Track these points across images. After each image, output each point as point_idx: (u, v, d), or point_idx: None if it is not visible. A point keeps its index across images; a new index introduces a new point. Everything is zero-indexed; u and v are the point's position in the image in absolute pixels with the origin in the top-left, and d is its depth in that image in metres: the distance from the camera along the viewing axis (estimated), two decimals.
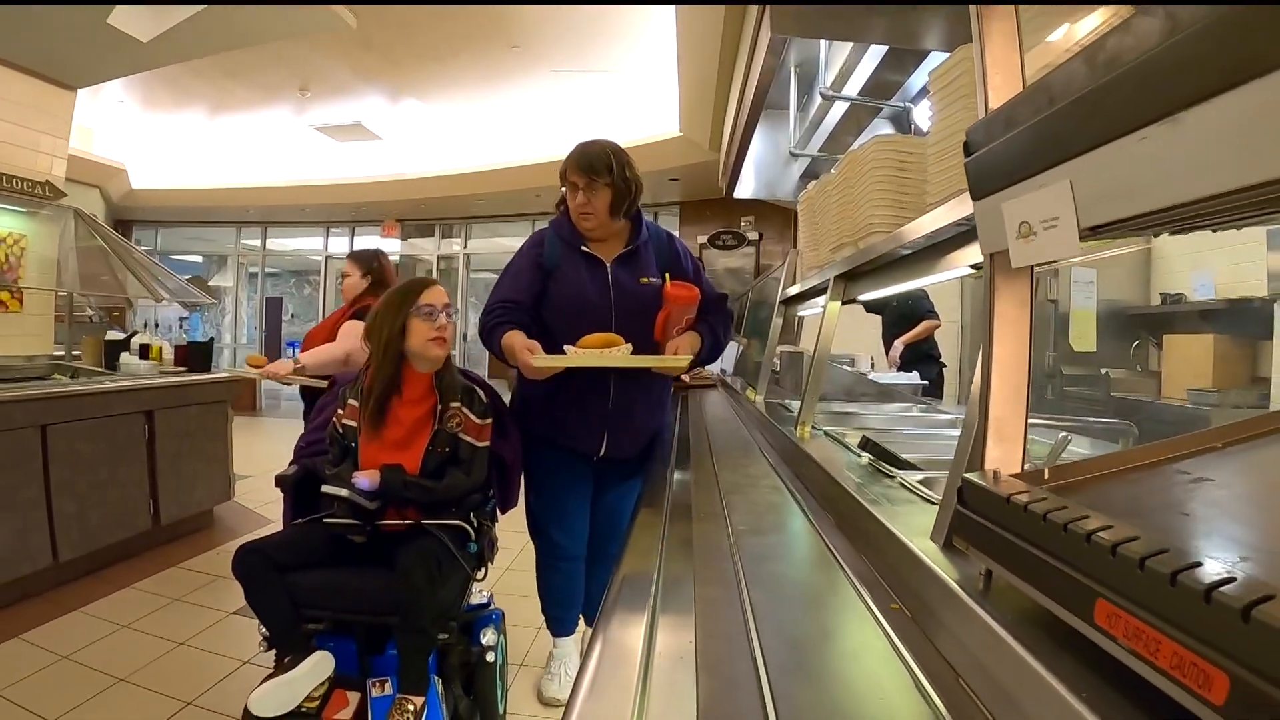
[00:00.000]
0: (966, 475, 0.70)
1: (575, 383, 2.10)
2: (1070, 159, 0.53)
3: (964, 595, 0.68)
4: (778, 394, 2.93)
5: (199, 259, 13.72)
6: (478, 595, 2.28)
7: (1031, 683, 0.56)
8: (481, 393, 2.12)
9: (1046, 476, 0.71)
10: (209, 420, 4.27)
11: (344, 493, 1.82)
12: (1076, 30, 1.17)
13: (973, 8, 0.74)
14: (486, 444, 2.10)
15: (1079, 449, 1.32)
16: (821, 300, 2.00)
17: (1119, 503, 0.66)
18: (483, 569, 2.16)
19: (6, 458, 3.02)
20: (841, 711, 0.59)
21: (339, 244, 11.74)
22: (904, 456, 1.28)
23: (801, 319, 3.81)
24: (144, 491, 3.78)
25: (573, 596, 2.53)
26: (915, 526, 0.87)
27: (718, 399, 3.62)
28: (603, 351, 1.90)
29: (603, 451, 2.23)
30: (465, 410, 2.05)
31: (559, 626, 2.54)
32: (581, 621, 2.63)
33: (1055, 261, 0.61)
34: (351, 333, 3.17)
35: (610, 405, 2.17)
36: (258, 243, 12.09)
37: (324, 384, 3.04)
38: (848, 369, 4.09)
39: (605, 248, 2.16)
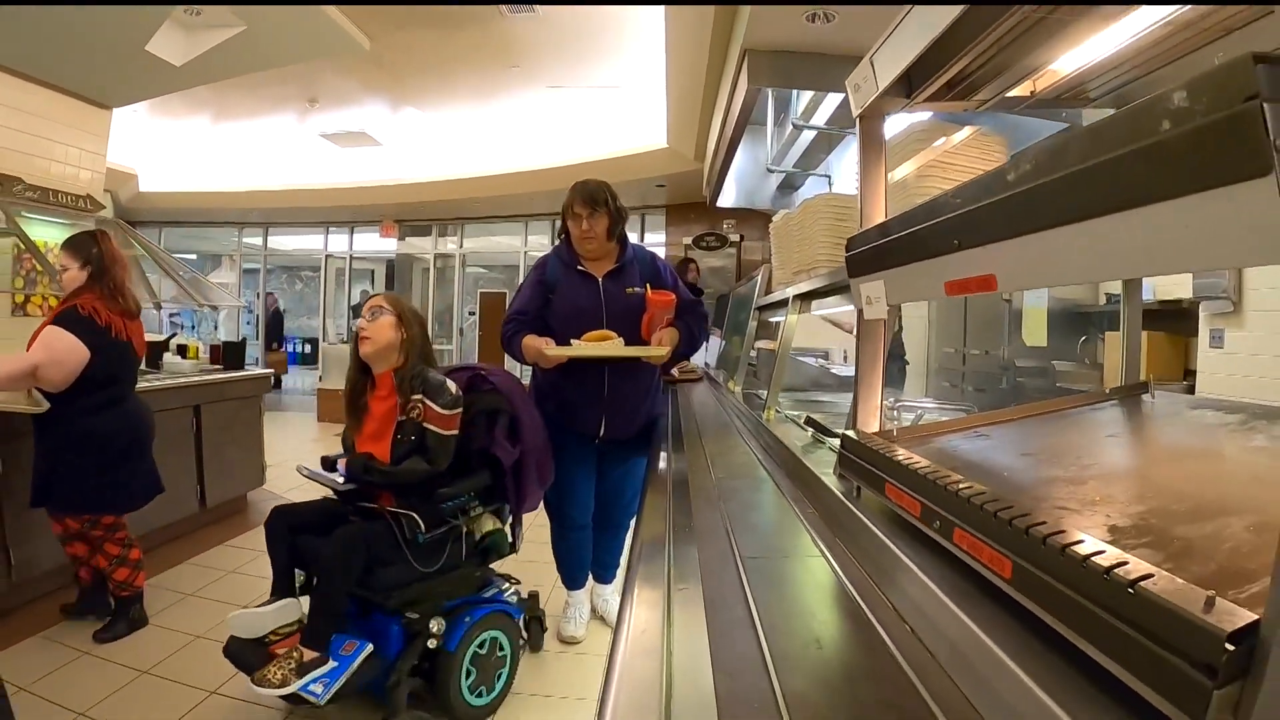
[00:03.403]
0: (844, 432, 1.22)
1: (578, 372, 2.58)
2: (884, 270, 1.05)
3: (845, 501, 1.19)
4: (754, 385, 3.44)
5: (193, 256, 14.02)
6: (497, 589, 2.56)
7: (873, 539, 1.07)
8: (452, 385, 2.33)
9: (895, 434, 1.23)
10: (245, 413, 4.67)
11: (325, 478, 2.27)
12: (953, 139, 1.70)
13: (859, 160, 1.25)
14: (453, 432, 2.30)
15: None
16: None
17: (927, 448, 1.18)
18: (437, 562, 2.31)
19: None
20: (773, 549, 1.11)
21: (339, 242, 12.14)
22: (836, 430, 1.80)
23: (775, 323, 4.31)
24: (192, 478, 4.18)
25: (582, 559, 3.02)
26: (827, 469, 1.39)
27: (703, 390, 4.13)
28: (600, 343, 2.43)
29: (602, 432, 2.70)
30: (427, 401, 2.28)
31: (572, 583, 3.04)
32: (590, 578, 3.15)
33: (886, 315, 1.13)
34: (47, 341, 2.52)
35: (606, 393, 2.64)
36: (258, 241, 12.43)
37: (38, 408, 2.52)
38: (820, 362, 4.61)
39: (597, 266, 2.65)
